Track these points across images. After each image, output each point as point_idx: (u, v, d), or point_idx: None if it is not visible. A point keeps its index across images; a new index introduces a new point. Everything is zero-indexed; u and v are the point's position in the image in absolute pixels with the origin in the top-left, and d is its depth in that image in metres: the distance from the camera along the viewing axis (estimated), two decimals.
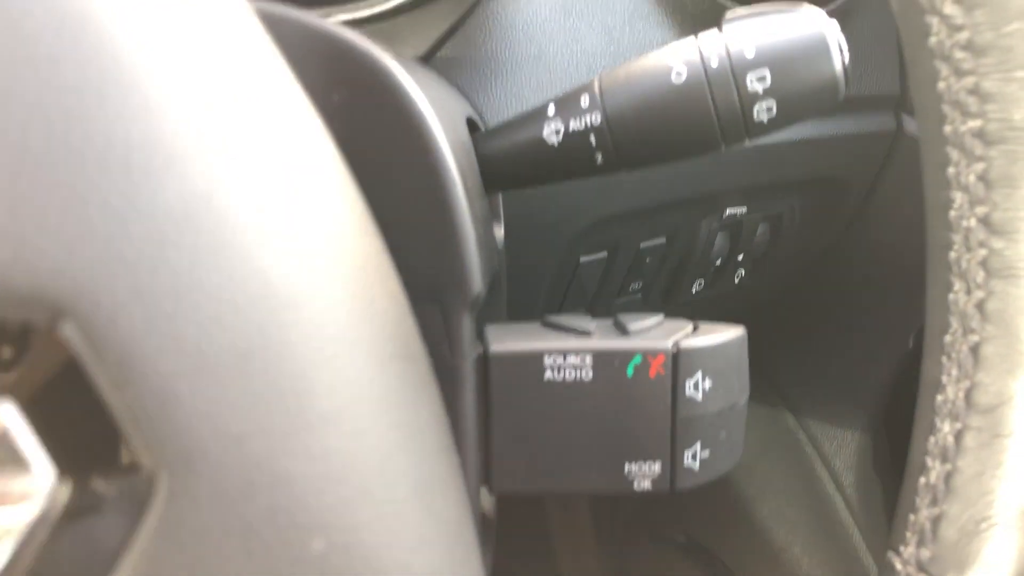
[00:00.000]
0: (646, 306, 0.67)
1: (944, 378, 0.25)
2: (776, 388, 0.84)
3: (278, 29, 0.32)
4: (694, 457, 0.35)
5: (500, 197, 0.46)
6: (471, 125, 0.43)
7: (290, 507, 0.18)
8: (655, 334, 0.36)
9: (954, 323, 0.24)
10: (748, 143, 0.37)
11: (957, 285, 0.24)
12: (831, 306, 0.80)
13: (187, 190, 0.18)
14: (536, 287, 0.58)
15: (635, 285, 0.65)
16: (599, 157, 0.38)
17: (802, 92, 0.36)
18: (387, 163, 0.32)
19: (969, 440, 0.24)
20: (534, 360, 0.34)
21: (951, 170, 0.24)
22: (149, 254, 0.17)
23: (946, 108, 0.24)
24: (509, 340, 0.35)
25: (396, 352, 0.22)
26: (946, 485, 0.25)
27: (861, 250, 0.75)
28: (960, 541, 0.25)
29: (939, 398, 0.25)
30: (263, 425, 0.18)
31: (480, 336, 0.35)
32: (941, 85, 0.24)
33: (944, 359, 0.25)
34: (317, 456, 0.18)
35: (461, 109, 0.43)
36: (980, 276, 0.24)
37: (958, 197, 0.24)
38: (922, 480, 0.26)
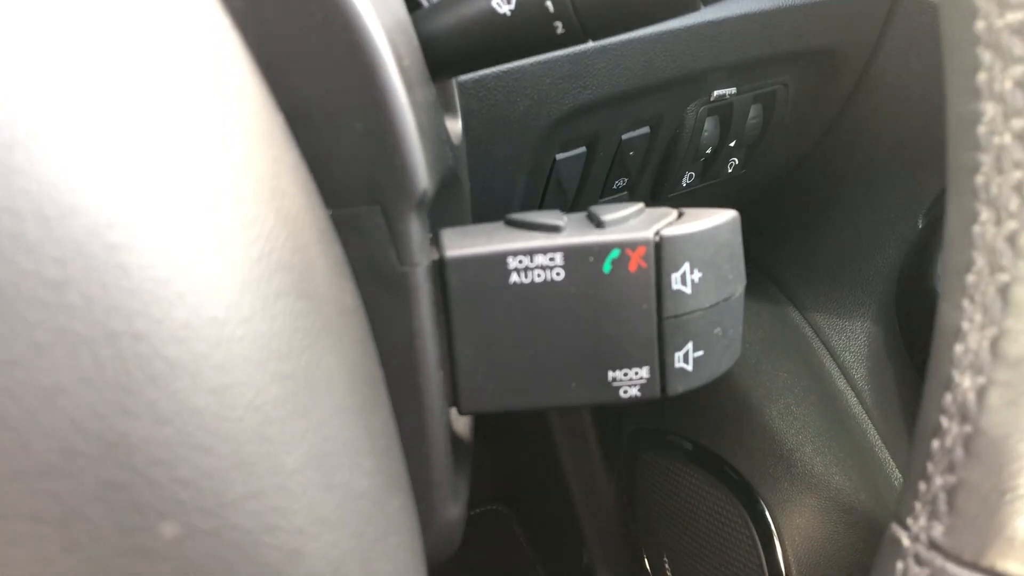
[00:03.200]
0: None
1: (965, 324, 0.21)
2: (778, 282, 0.80)
3: None
4: (686, 359, 0.30)
5: (455, 88, 0.40)
6: (414, 3, 0.38)
7: (128, 483, 0.13)
8: (634, 224, 0.31)
9: (979, 260, 0.20)
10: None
11: (985, 214, 0.20)
12: (832, 190, 0.75)
13: None
14: (509, 189, 0.53)
15: (620, 182, 0.60)
16: (559, 26, 0.33)
17: None
18: (308, 49, 0.27)
19: (994, 397, 0.20)
20: (497, 262, 0.30)
21: (982, 76, 0.19)
22: None
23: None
24: (467, 242, 0.30)
25: (284, 288, 0.17)
26: (965, 450, 0.21)
27: (861, 127, 0.70)
28: (980, 515, 0.21)
29: (958, 348, 0.21)
30: (87, 374, 0.13)
31: (435, 241, 0.31)
32: None
33: (966, 302, 0.21)
34: (166, 417, 0.14)
35: None
36: (1014, 204, 0.19)
37: (990, 109, 0.19)
38: (935, 443, 0.22)
